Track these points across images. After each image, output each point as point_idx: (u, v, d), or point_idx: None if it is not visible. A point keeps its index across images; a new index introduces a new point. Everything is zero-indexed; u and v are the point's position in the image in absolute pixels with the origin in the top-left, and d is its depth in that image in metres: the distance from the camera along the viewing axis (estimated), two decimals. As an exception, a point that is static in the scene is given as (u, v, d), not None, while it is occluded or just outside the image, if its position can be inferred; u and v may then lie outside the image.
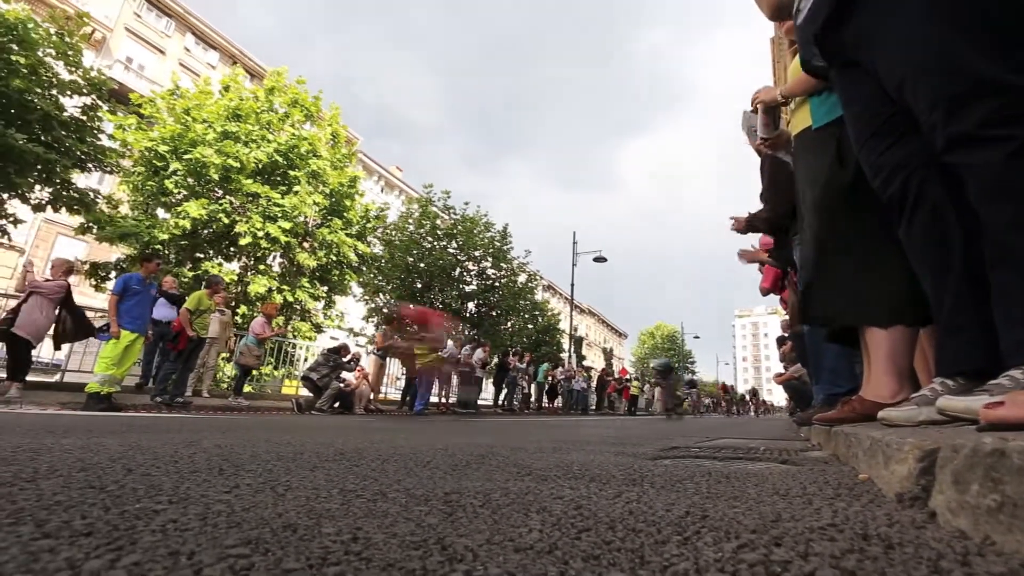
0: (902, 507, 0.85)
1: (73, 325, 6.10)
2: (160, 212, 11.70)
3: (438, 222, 17.63)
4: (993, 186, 1.04)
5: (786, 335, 7.50)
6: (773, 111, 2.49)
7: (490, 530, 0.75)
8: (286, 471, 1.32)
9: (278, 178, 12.31)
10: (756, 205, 3.47)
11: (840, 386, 2.83)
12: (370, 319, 16.76)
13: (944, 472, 0.72)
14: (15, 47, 8.37)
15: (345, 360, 8.37)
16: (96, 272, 10.99)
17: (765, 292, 4.46)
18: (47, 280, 6.07)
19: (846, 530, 0.73)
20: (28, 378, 6.01)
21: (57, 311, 6.02)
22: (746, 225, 3.31)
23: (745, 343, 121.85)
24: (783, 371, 8.71)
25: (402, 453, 1.89)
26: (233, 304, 11.92)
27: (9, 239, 9.96)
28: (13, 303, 6.14)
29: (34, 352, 6.02)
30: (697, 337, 47.57)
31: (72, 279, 6.29)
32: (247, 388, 8.86)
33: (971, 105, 1.05)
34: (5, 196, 8.88)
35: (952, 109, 1.08)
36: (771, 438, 3.74)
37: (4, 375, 5.92)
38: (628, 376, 23.16)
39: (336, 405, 7.86)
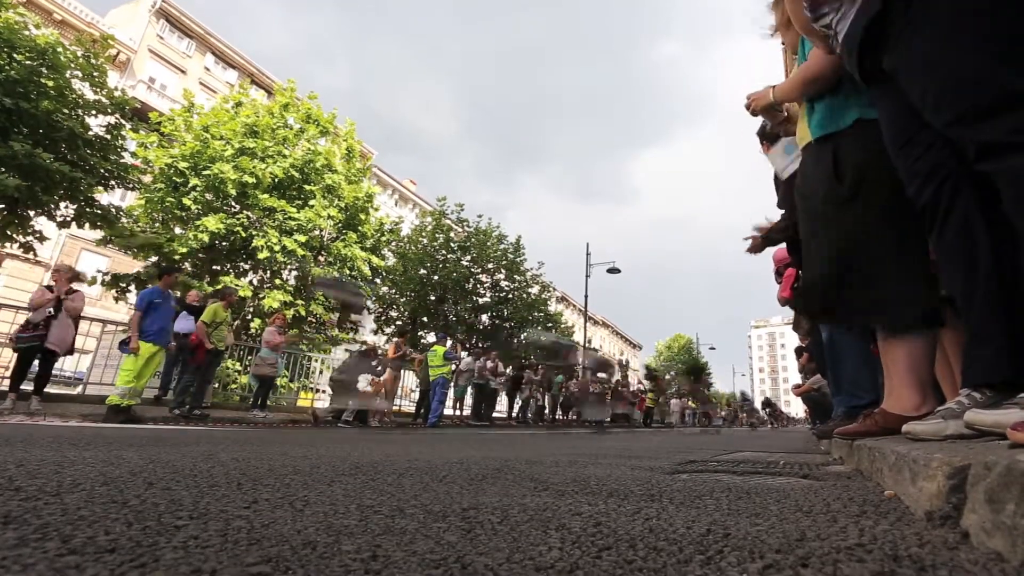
0: (932, 526, 0.82)
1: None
2: (177, 229, 11.95)
3: (452, 235, 17.75)
4: None
5: (804, 345, 7.37)
6: (774, 110, 2.43)
7: (510, 548, 0.75)
8: (304, 485, 1.32)
9: (294, 192, 12.51)
10: (769, 214, 3.40)
11: (861, 398, 2.76)
12: (379, 333, 16.86)
13: (976, 490, 0.70)
14: (44, 70, 8.66)
15: (374, 363, 8.49)
16: (117, 283, 11.21)
17: (784, 302, 4.39)
18: (49, 287, 6.14)
19: (875, 551, 0.71)
20: (52, 390, 6.16)
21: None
22: (762, 242, 3.24)
23: (762, 353, 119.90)
24: (801, 382, 8.57)
25: (418, 467, 1.88)
26: (248, 317, 12.08)
27: (35, 254, 10.22)
28: (31, 316, 6.22)
29: (57, 365, 6.17)
30: (713, 348, 46.97)
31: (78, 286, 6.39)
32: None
33: (1001, 114, 1.04)
34: (32, 213, 9.13)
35: (983, 119, 1.07)
36: (790, 451, 3.67)
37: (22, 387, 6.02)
38: (644, 386, 22.92)
39: (352, 418, 7.91)
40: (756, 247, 3.27)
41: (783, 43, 2.10)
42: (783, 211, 3.12)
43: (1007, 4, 1.09)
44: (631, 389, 21.59)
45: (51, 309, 5.89)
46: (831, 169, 1.83)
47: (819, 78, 1.88)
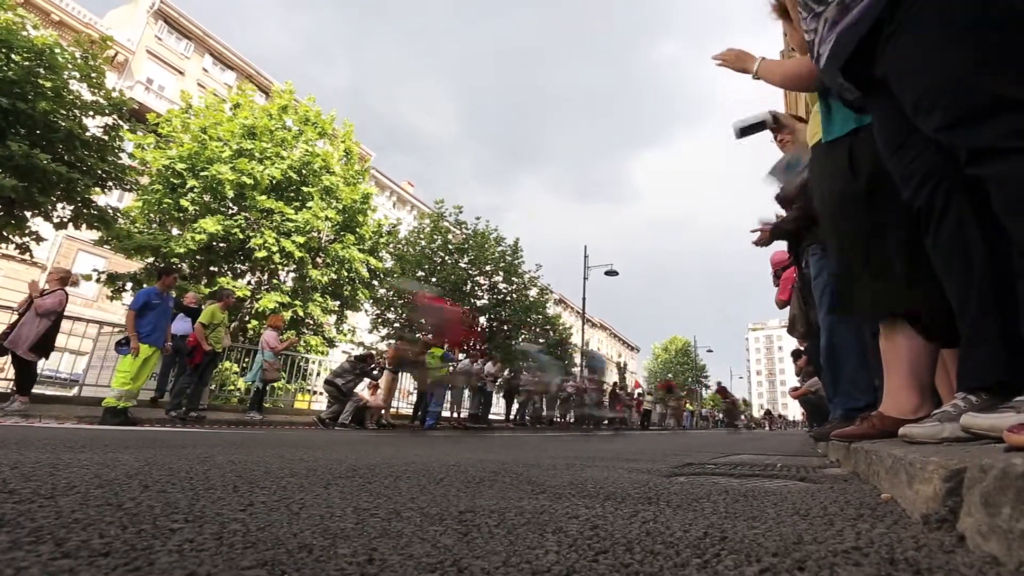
0: (929, 529, 0.82)
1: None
2: (174, 230, 11.92)
3: (449, 237, 17.74)
4: (1019, 197, 1.03)
5: (802, 348, 7.38)
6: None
7: (506, 551, 0.75)
8: (300, 488, 1.32)
9: (292, 194, 12.49)
10: (778, 209, 3.40)
11: (859, 400, 2.77)
12: (375, 331, 16.84)
13: (972, 493, 0.70)
14: (42, 71, 8.64)
15: (371, 368, 8.53)
16: (113, 282, 11.18)
17: (782, 304, 4.40)
18: (44, 291, 6.07)
19: (871, 554, 0.71)
20: (48, 392, 6.07)
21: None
22: (771, 235, 3.25)
23: (759, 356, 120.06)
24: (798, 385, 8.58)
25: (415, 470, 1.88)
26: (246, 319, 12.05)
27: (31, 256, 10.18)
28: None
29: (53, 366, 6.09)
30: (710, 351, 47.02)
31: (71, 288, 6.30)
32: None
33: (990, 119, 1.05)
34: (28, 214, 9.10)
35: (973, 124, 1.08)
36: (788, 454, 3.67)
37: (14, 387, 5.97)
38: (641, 390, 22.97)
39: (350, 420, 7.91)
40: (764, 240, 3.27)
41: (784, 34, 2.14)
42: (792, 204, 3.11)
43: (996, 11, 1.10)
44: (628, 391, 21.59)
45: (23, 310, 5.85)
46: (846, 165, 1.83)
47: (801, 78, 1.96)
